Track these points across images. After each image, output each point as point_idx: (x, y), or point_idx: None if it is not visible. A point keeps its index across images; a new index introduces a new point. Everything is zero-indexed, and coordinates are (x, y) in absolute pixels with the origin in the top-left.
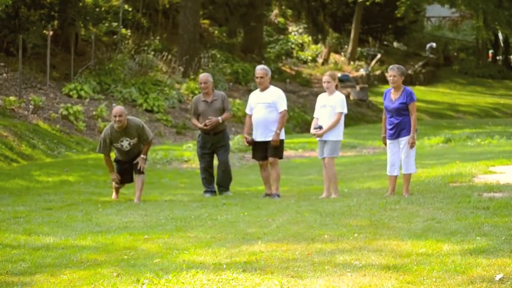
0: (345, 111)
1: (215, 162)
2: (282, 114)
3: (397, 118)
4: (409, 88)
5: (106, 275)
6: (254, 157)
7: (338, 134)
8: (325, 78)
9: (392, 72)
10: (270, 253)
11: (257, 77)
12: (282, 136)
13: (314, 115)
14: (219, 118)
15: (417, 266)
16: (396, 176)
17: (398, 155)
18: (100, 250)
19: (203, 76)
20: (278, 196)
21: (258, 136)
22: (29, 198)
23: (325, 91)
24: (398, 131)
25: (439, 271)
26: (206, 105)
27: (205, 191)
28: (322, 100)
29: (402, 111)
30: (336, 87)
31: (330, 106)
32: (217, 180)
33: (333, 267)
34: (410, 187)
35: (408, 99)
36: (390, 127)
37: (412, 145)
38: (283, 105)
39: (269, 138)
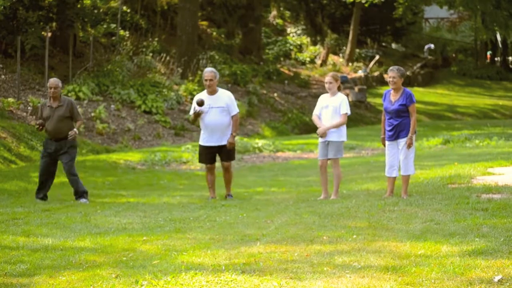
0: (349, 111)
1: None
2: (236, 117)
3: (396, 120)
4: (409, 89)
5: (105, 277)
6: (202, 161)
7: (341, 135)
8: (327, 79)
9: (392, 73)
10: (268, 255)
11: (206, 80)
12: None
13: (314, 113)
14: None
15: (416, 268)
16: (394, 178)
17: (396, 157)
18: (99, 251)
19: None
20: (231, 196)
21: (214, 141)
22: (28, 200)
23: (325, 92)
24: (397, 133)
25: (438, 273)
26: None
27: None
28: (325, 100)
29: (401, 112)
30: (339, 88)
31: (332, 107)
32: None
33: (332, 268)
34: (408, 188)
35: (408, 101)
36: (389, 128)
37: (409, 146)
38: (235, 108)
39: (224, 143)
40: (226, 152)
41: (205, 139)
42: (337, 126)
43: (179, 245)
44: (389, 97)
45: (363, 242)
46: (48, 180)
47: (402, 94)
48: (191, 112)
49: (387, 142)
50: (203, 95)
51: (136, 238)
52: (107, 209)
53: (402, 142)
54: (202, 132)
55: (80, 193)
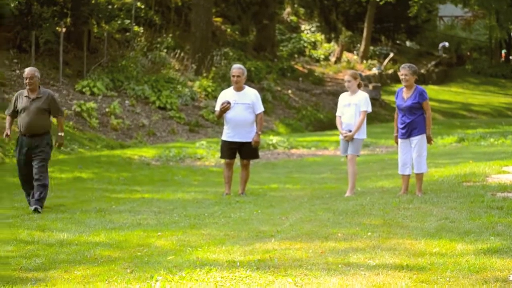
0: (370, 109)
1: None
2: (261, 116)
3: (409, 117)
4: (421, 86)
5: (120, 272)
6: (222, 156)
7: (362, 133)
8: (346, 77)
9: (404, 71)
10: (283, 251)
11: (233, 76)
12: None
13: (337, 114)
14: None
15: (430, 266)
16: (408, 175)
17: (409, 155)
18: (113, 246)
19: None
20: (244, 194)
21: (237, 137)
22: None
23: (342, 90)
24: (410, 130)
25: (452, 271)
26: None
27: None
28: (345, 99)
29: (414, 110)
30: (359, 85)
31: (354, 105)
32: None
33: (346, 266)
34: (423, 186)
35: (420, 98)
36: (402, 126)
37: (429, 141)
38: (261, 107)
39: (246, 140)
40: (248, 150)
41: (228, 134)
42: (360, 126)
43: (194, 241)
44: (402, 94)
45: (378, 240)
46: (32, 181)
47: (415, 91)
48: (217, 107)
49: (399, 140)
50: (229, 91)
51: (150, 234)
52: (122, 205)
53: (415, 140)
54: (225, 127)
55: (40, 201)
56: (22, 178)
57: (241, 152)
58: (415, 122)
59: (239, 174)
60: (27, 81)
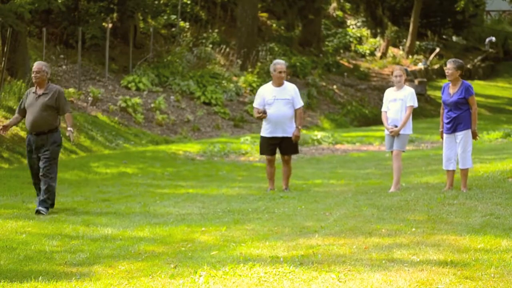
0: (416, 104)
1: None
2: (301, 111)
3: (455, 112)
4: (467, 82)
5: (164, 267)
6: (263, 152)
7: (408, 128)
8: (396, 72)
9: (449, 65)
10: (327, 247)
11: (280, 72)
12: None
13: (383, 109)
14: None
15: (475, 262)
16: (453, 171)
17: (454, 150)
18: (157, 241)
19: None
20: (288, 189)
21: (277, 133)
22: (88, 189)
23: (389, 85)
24: (455, 125)
25: (497, 267)
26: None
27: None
28: (392, 94)
29: (460, 105)
30: (404, 81)
31: (400, 100)
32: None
33: (390, 261)
34: (468, 182)
35: (466, 93)
36: (447, 121)
37: (475, 136)
38: (300, 101)
39: (287, 135)
40: (288, 145)
41: (267, 130)
42: (406, 121)
43: (238, 236)
44: (448, 89)
45: (422, 236)
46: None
47: (461, 86)
48: (256, 104)
49: (444, 135)
50: (268, 86)
51: (194, 229)
52: (166, 200)
53: (460, 135)
54: (264, 123)
55: (47, 203)
56: (32, 178)
57: (281, 147)
58: (461, 117)
59: (281, 169)
60: (34, 74)
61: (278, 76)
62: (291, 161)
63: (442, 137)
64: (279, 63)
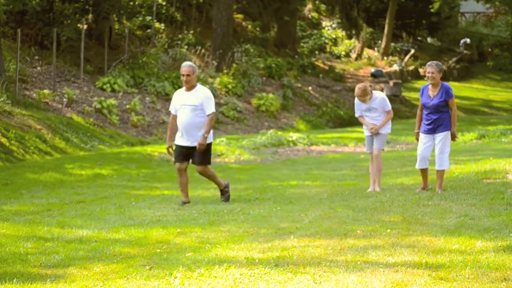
0: (390, 107)
1: None
2: (210, 118)
3: (436, 115)
4: (447, 84)
5: (139, 269)
6: (175, 160)
7: (388, 127)
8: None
9: (431, 69)
10: (302, 248)
11: (183, 75)
12: (210, 139)
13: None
14: None
15: (450, 263)
16: (427, 169)
17: (430, 148)
18: (133, 243)
19: None
20: (187, 203)
21: (184, 141)
22: (63, 191)
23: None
24: (436, 127)
25: (472, 268)
26: None
27: None
28: (363, 104)
29: (441, 107)
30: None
31: (375, 109)
32: None
33: (365, 263)
34: (443, 183)
35: (447, 96)
36: (428, 122)
37: (454, 138)
38: (211, 108)
39: (195, 144)
40: (197, 154)
41: (178, 137)
42: (387, 121)
43: (213, 237)
44: (427, 92)
45: (397, 237)
46: None
47: (441, 89)
48: (171, 108)
49: (422, 135)
50: (181, 90)
51: (170, 231)
52: (141, 201)
53: (440, 136)
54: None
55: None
56: None
57: (192, 156)
58: (442, 119)
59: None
60: (184, 77)
61: (184, 80)
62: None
63: (417, 139)
64: (184, 66)
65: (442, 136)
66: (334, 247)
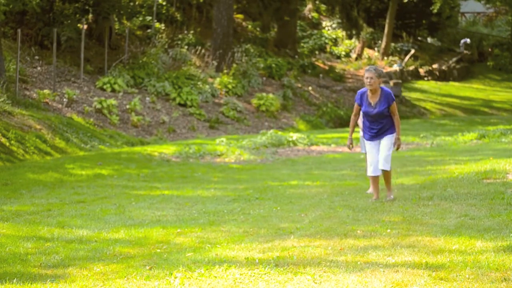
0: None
1: None
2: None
3: (381, 122)
4: (387, 88)
5: (139, 269)
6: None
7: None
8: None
9: (369, 73)
10: (302, 248)
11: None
12: None
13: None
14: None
15: (450, 263)
16: (378, 177)
17: (378, 153)
18: (133, 243)
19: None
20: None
21: None
22: (63, 191)
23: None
24: (382, 132)
25: (472, 268)
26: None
27: None
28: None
29: (385, 114)
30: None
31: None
32: None
33: (365, 263)
34: (443, 183)
35: (390, 101)
36: (374, 131)
37: (398, 146)
38: None
39: None
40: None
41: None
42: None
43: (213, 237)
44: (368, 99)
45: (397, 237)
46: None
47: (382, 95)
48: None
49: (368, 143)
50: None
51: (170, 231)
52: (142, 201)
53: (385, 139)
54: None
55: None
56: None
57: None
58: (387, 124)
59: None
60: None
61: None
62: (264, 163)
63: (349, 148)
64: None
65: (387, 139)
66: (334, 247)
